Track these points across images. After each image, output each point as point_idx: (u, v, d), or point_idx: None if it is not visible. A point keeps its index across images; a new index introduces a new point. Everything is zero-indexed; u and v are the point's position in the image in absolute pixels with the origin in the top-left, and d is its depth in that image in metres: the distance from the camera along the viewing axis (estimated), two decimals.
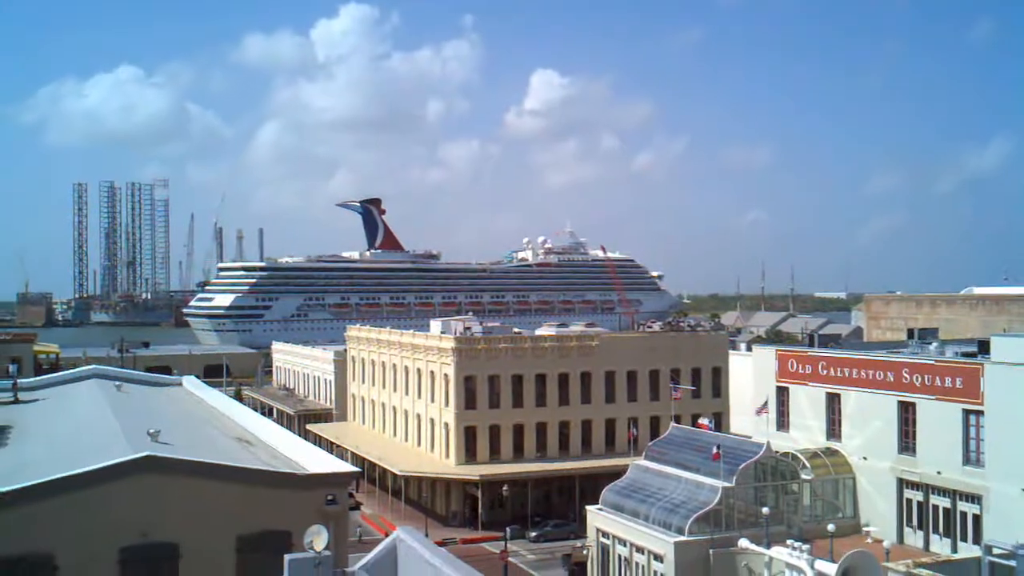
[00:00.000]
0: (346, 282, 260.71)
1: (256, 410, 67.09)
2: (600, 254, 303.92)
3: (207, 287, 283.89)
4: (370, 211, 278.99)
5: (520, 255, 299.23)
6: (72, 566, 24.51)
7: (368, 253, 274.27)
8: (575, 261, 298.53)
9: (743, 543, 43.75)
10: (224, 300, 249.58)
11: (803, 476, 54.87)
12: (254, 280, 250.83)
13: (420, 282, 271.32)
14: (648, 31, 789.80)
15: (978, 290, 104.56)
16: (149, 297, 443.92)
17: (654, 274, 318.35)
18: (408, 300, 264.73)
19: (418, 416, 79.52)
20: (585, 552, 56.04)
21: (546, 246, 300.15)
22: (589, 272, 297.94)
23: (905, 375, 53.90)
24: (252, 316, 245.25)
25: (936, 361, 53.48)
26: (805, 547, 36.82)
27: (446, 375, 74.39)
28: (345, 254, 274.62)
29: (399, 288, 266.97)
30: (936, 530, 52.10)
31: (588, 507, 55.98)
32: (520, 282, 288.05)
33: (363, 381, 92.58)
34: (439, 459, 75.21)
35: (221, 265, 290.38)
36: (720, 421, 78.77)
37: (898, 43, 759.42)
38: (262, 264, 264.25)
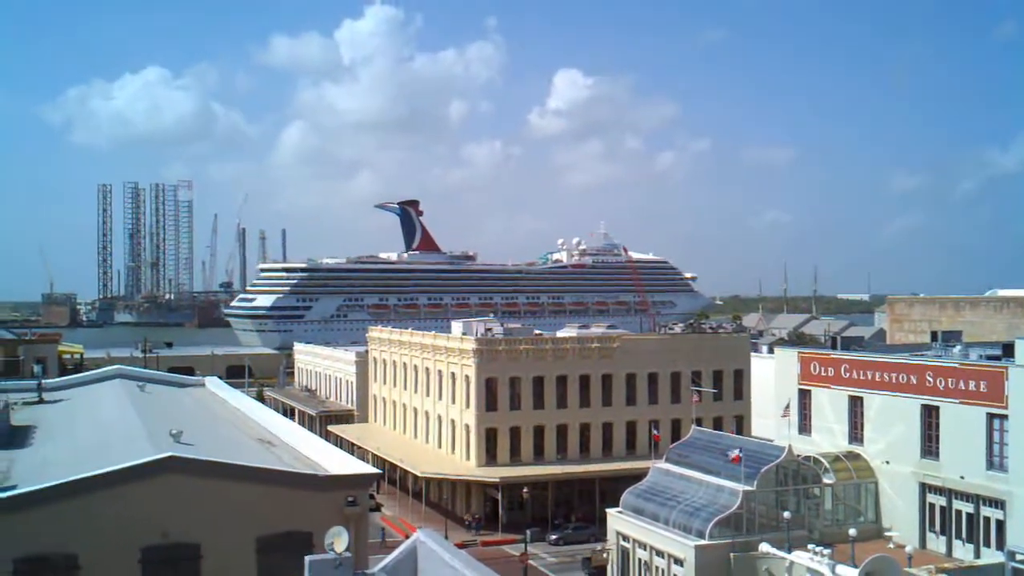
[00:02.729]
0: (384, 283, 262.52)
1: (278, 411, 67.28)
2: (633, 255, 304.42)
3: (248, 288, 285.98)
4: (408, 212, 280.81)
5: (555, 256, 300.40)
6: (94, 566, 24.73)
7: (405, 254, 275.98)
8: (609, 263, 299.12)
9: (764, 547, 43.59)
10: (265, 301, 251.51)
11: (825, 480, 54.59)
12: (295, 281, 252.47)
13: (457, 283, 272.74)
14: (672, 31, 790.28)
15: (1003, 292, 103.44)
16: (172, 298, 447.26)
17: (688, 276, 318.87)
18: (445, 301, 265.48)
19: (439, 418, 79.62)
20: (605, 555, 55.95)
21: (580, 247, 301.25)
22: (623, 273, 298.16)
23: (928, 378, 53.45)
24: (293, 317, 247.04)
25: (960, 364, 52.92)
26: (826, 552, 36.68)
27: (467, 376, 74.46)
28: (383, 255, 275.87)
29: (436, 289, 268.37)
30: (959, 535, 51.62)
31: (608, 510, 55.91)
32: (555, 283, 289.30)
33: (384, 382, 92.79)
34: (460, 461, 75.28)
35: (262, 266, 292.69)
36: (741, 424, 78.55)
37: (921, 43, 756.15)
38: (302, 265, 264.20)
